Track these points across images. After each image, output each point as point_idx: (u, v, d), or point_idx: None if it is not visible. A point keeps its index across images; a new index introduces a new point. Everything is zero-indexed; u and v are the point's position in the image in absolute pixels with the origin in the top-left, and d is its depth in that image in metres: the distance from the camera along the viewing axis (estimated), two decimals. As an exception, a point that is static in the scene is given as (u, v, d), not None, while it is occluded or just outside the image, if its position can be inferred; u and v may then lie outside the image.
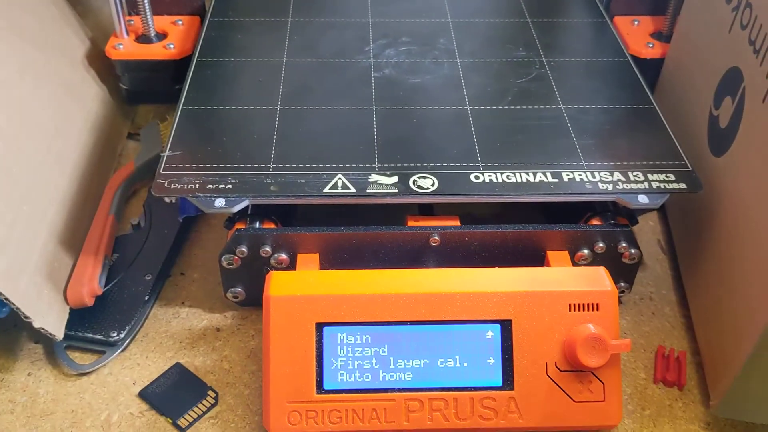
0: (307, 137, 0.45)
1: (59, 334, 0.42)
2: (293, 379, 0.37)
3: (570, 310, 0.38)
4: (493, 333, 0.38)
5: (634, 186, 0.42)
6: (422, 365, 0.37)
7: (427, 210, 0.46)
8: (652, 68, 0.56)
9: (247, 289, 0.44)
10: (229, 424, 0.40)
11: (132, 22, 0.59)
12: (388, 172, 0.42)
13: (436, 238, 0.42)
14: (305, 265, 0.42)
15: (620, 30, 0.58)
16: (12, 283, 0.39)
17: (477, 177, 0.42)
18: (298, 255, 0.42)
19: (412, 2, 0.59)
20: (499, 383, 0.37)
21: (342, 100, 0.48)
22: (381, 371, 0.37)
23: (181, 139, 0.44)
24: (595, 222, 0.44)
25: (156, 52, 0.57)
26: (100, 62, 0.58)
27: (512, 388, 0.37)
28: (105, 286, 0.45)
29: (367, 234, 0.42)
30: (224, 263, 0.42)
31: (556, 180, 0.42)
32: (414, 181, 0.42)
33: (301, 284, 0.38)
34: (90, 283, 0.44)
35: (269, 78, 0.50)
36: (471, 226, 0.42)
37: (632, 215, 0.44)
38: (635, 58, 0.54)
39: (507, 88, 0.49)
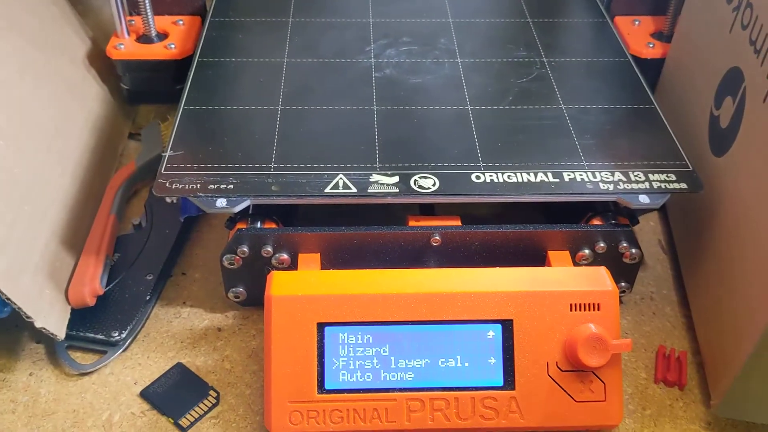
0: (308, 137, 0.45)
1: (61, 333, 0.42)
2: (294, 378, 0.37)
3: (571, 310, 0.38)
4: (494, 333, 0.38)
5: (635, 186, 0.42)
6: (423, 365, 0.38)
7: (428, 210, 0.46)
8: (652, 68, 0.56)
9: (248, 289, 0.44)
10: (231, 424, 0.40)
11: (133, 22, 0.59)
12: (389, 172, 0.42)
13: (437, 238, 0.42)
14: (306, 265, 0.42)
15: (621, 30, 0.58)
16: (13, 283, 0.39)
17: (478, 177, 0.42)
18: (300, 255, 0.42)
19: (413, 2, 0.59)
20: (500, 383, 0.37)
21: (343, 100, 0.48)
22: (382, 371, 0.37)
23: (183, 139, 0.44)
24: (596, 222, 0.44)
25: (157, 52, 0.57)
26: (100, 62, 0.58)
27: (513, 388, 0.37)
28: (106, 286, 0.45)
29: (368, 234, 0.42)
30: (225, 263, 0.42)
31: (557, 180, 0.42)
32: (415, 181, 0.42)
33: (302, 284, 0.38)
34: (91, 283, 0.44)
35: (270, 78, 0.50)
36: (472, 226, 0.42)
37: (633, 215, 0.44)
38: (636, 58, 0.54)
39: (508, 88, 0.50)
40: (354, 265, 0.43)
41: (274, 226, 0.43)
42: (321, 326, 0.37)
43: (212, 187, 0.41)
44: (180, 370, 0.43)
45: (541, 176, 0.42)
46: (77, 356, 0.43)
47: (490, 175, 0.42)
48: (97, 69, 0.58)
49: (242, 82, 0.50)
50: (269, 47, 0.53)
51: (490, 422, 0.37)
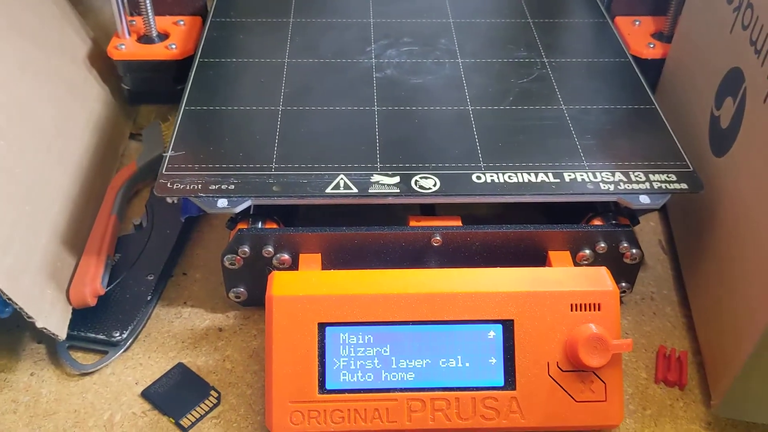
0: (309, 138, 0.45)
1: (62, 334, 0.42)
2: (296, 378, 0.37)
3: (571, 310, 0.38)
4: (494, 333, 0.38)
5: (635, 186, 0.42)
6: (424, 365, 0.38)
7: (428, 210, 0.46)
8: (653, 68, 0.56)
9: (249, 289, 0.44)
10: (232, 424, 0.40)
11: (134, 23, 0.59)
12: (390, 173, 0.42)
13: (438, 238, 0.42)
14: (307, 265, 0.42)
15: (621, 30, 0.58)
16: (15, 283, 0.39)
17: (479, 177, 0.42)
18: (301, 255, 0.42)
19: (414, 2, 0.59)
20: (501, 383, 0.38)
21: (344, 100, 0.48)
22: (383, 371, 0.37)
23: (184, 140, 0.44)
24: (597, 222, 0.44)
25: (158, 52, 0.57)
26: (101, 62, 0.58)
27: (514, 388, 0.37)
28: (107, 286, 0.45)
29: (369, 234, 0.42)
30: (226, 263, 0.42)
31: (558, 180, 0.42)
32: (416, 181, 0.42)
33: (303, 284, 0.38)
34: (92, 283, 0.44)
35: (271, 78, 0.50)
36: (473, 227, 0.42)
37: (633, 215, 0.44)
38: (636, 59, 0.54)
39: (508, 89, 0.50)
40: (355, 266, 0.43)
41: (275, 226, 0.43)
42: (322, 326, 0.37)
43: (213, 187, 0.41)
44: (181, 370, 0.43)
45: (541, 176, 0.42)
46: (78, 356, 0.43)
47: (491, 176, 0.42)
48: (98, 69, 0.58)
49: (243, 83, 0.50)
50: (270, 48, 0.53)
51: (490, 422, 0.37)
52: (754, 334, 0.36)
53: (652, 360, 0.44)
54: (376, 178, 0.42)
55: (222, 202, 0.41)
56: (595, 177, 0.42)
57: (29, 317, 0.39)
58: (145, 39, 0.58)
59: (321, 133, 0.45)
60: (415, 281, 0.38)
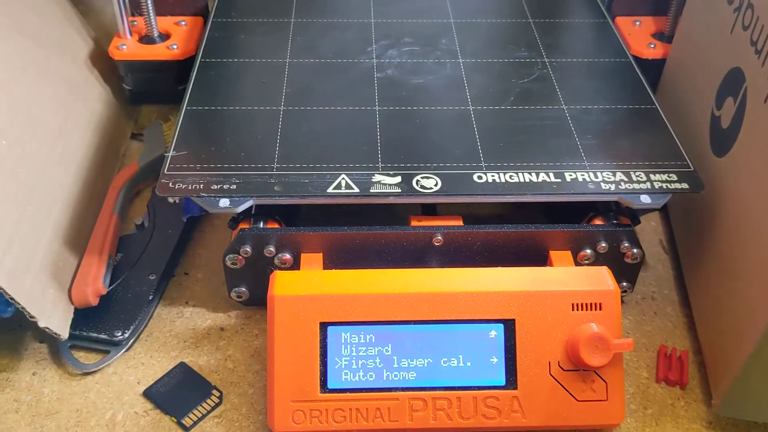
0: (310, 137, 0.45)
1: (64, 333, 0.42)
2: (297, 378, 0.37)
3: (573, 310, 0.38)
4: (496, 332, 0.38)
5: (636, 186, 0.42)
6: (426, 364, 0.38)
7: (430, 210, 0.46)
8: (653, 69, 0.56)
9: (250, 289, 0.44)
10: (234, 423, 0.40)
11: (135, 23, 0.59)
12: (391, 173, 0.42)
13: (439, 238, 0.42)
14: (309, 265, 0.42)
15: (622, 30, 0.58)
16: (17, 282, 0.39)
17: (480, 177, 0.42)
18: (302, 255, 0.42)
19: (414, 3, 0.59)
20: (503, 382, 0.38)
21: (345, 100, 0.48)
22: (385, 370, 0.38)
23: (185, 140, 0.44)
24: (598, 222, 0.44)
25: (159, 52, 0.57)
26: (103, 62, 0.58)
27: (515, 388, 0.37)
28: (109, 286, 0.45)
29: (370, 234, 0.42)
30: (228, 263, 0.42)
31: (559, 180, 0.42)
32: (417, 181, 0.42)
33: (305, 284, 0.38)
34: (94, 283, 0.44)
35: (272, 78, 0.50)
36: (474, 226, 0.42)
37: (634, 215, 0.44)
38: (637, 59, 0.54)
39: (509, 89, 0.50)
40: (356, 265, 0.43)
41: (276, 226, 0.43)
42: (324, 326, 0.37)
43: (215, 187, 0.41)
44: (183, 369, 0.43)
45: (542, 176, 0.42)
46: (80, 356, 0.44)
47: (492, 176, 0.42)
48: (99, 69, 0.58)
49: (245, 83, 0.50)
50: (271, 48, 0.53)
51: (492, 422, 0.37)
52: (755, 333, 0.36)
53: (653, 359, 0.44)
54: (377, 177, 0.42)
55: (224, 202, 0.41)
56: (596, 177, 0.42)
57: (31, 317, 0.39)
58: (146, 39, 0.58)
59: (322, 133, 0.45)
60: (416, 281, 0.38)
